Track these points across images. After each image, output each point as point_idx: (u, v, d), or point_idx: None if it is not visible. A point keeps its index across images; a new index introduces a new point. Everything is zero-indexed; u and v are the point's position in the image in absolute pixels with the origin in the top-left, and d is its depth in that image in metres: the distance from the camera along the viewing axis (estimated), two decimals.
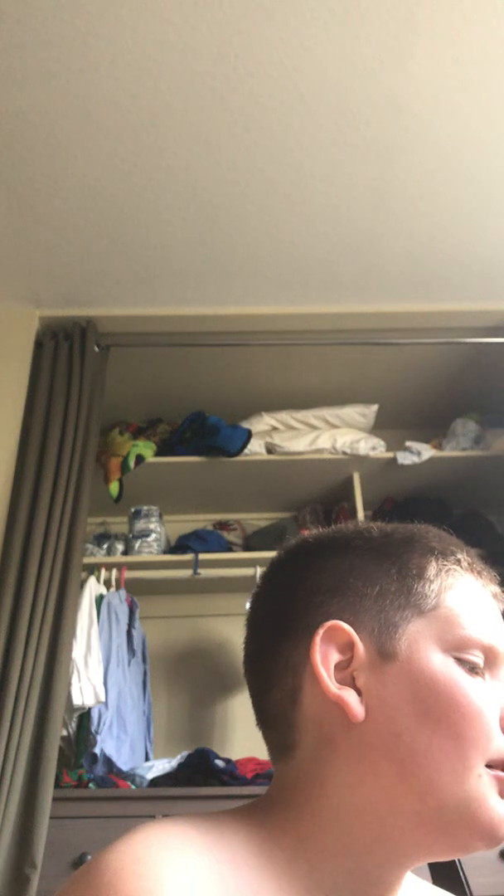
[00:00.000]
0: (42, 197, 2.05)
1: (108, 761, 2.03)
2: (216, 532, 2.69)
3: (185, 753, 2.04)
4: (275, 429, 2.69)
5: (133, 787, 1.94)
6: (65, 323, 2.43)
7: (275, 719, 0.59)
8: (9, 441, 2.18)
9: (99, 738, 2.05)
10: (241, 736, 2.42)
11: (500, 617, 0.61)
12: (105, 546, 2.60)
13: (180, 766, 1.99)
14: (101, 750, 2.04)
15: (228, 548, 2.64)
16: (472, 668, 0.55)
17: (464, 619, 0.57)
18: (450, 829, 0.52)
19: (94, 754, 2.04)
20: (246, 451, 2.56)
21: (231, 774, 1.98)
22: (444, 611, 0.57)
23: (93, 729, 2.08)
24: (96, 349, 2.39)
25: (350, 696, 0.54)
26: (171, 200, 2.09)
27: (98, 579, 2.37)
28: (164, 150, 1.94)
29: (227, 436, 2.55)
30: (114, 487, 2.51)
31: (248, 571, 2.45)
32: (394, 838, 0.53)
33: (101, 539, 2.64)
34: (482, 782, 0.52)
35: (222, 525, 2.79)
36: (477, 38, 1.71)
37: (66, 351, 2.36)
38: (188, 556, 2.46)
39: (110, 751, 2.05)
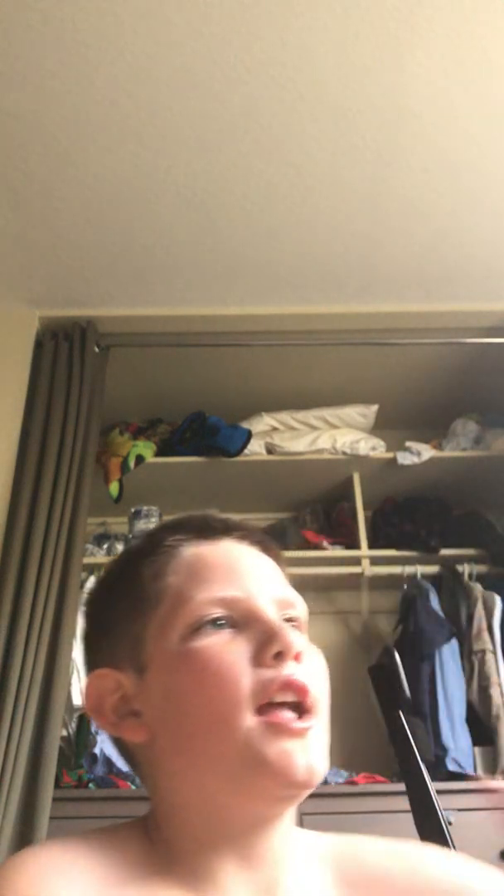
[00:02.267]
0: (42, 197, 2.05)
1: (108, 761, 2.03)
2: None
3: None
4: (275, 429, 2.69)
5: (133, 787, 1.94)
6: (65, 323, 2.43)
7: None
8: (9, 441, 2.18)
9: (99, 738, 2.05)
10: None
11: (240, 560, 0.61)
12: (105, 546, 2.60)
13: None
14: (101, 750, 2.04)
15: None
16: (210, 629, 0.56)
17: (187, 593, 0.58)
18: (253, 786, 0.53)
19: (94, 754, 2.04)
20: (246, 451, 2.55)
21: None
22: (168, 599, 0.59)
23: (93, 729, 2.08)
24: (96, 349, 2.39)
25: (126, 727, 0.58)
26: (170, 201, 2.08)
27: None
28: (164, 150, 1.94)
29: (227, 436, 2.55)
30: (114, 488, 2.51)
31: None
32: (224, 811, 0.55)
33: (101, 539, 2.64)
34: (254, 734, 0.53)
35: None
36: (477, 38, 1.71)
37: (65, 351, 2.36)
38: None
39: (110, 751, 2.05)
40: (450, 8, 1.65)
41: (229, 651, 0.55)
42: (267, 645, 0.55)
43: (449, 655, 2.27)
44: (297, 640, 0.56)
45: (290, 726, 0.53)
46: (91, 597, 0.69)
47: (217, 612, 0.57)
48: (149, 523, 2.57)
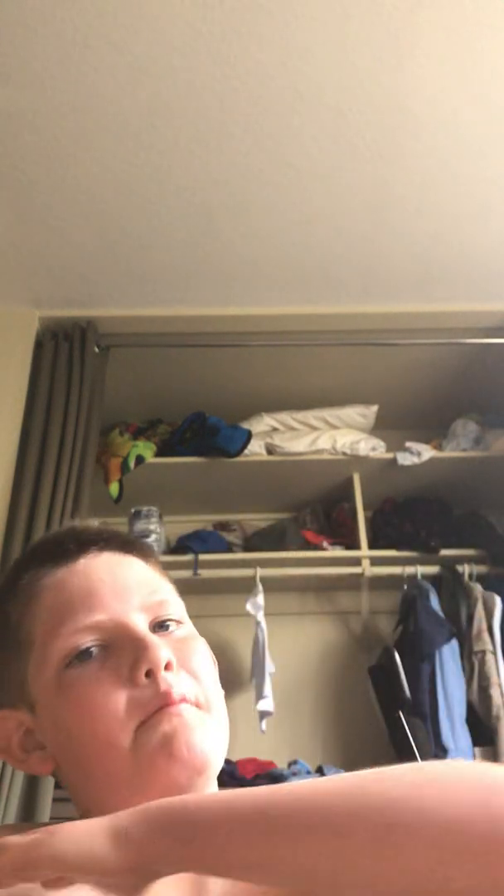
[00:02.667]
0: (42, 197, 2.05)
1: None
2: (216, 533, 2.69)
3: None
4: (275, 429, 2.69)
5: None
6: (65, 323, 2.43)
7: None
8: (9, 442, 2.18)
9: None
10: (242, 736, 2.41)
11: (96, 577, 0.61)
12: None
13: None
14: None
15: (228, 548, 2.64)
16: (81, 660, 0.57)
17: (54, 630, 0.59)
18: (150, 785, 0.54)
19: None
20: (246, 451, 2.55)
21: (231, 775, 1.98)
22: (39, 636, 0.60)
23: None
24: (96, 350, 2.39)
25: (34, 762, 0.61)
26: (171, 201, 2.08)
27: None
28: (164, 150, 1.94)
29: (227, 436, 2.55)
30: (114, 488, 2.51)
31: (248, 572, 2.45)
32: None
33: None
34: (138, 744, 0.54)
35: (222, 526, 2.79)
36: (477, 38, 1.71)
37: (66, 351, 2.36)
38: (188, 557, 2.46)
39: None
40: (450, 8, 1.65)
41: (98, 681, 0.56)
42: (136, 665, 0.56)
43: (449, 656, 2.27)
44: (164, 652, 0.57)
45: (161, 715, 0.55)
46: None
47: (84, 641, 0.58)
48: (149, 523, 2.57)
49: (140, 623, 0.59)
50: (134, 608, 0.60)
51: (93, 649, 0.58)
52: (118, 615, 0.59)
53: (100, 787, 0.57)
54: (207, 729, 0.57)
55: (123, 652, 0.57)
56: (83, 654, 0.58)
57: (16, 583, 0.63)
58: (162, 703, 0.55)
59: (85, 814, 0.57)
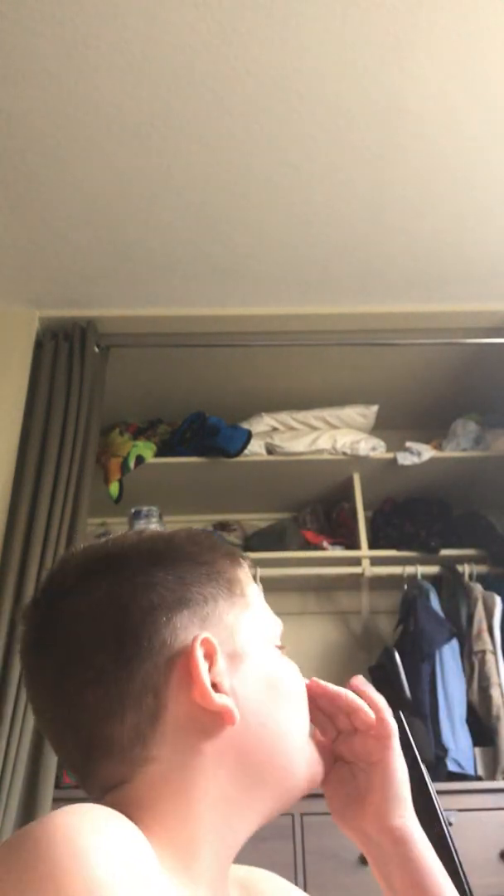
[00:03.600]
0: (42, 198, 2.05)
1: None
2: (216, 533, 2.68)
3: None
4: (275, 429, 2.69)
5: None
6: (65, 323, 2.43)
7: (120, 746, 0.57)
8: (9, 442, 2.18)
9: None
10: None
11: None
12: None
13: None
14: None
15: None
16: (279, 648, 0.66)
17: (266, 613, 0.67)
18: (302, 784, 0.62)
19: None
20: (246, 451, 2.55)
21: None
22: (255, 608, 0.65)
23: None
24: (96, 350, 2.39)
25: (231, 703, 0.57)
26: (170, 201, 2.08)
27: None
28: (164, 150, 1.94)
29: (227, 436, 2.55)
30: (114, 488, 2.51)
31: None
32: (258, 810, 0.60)
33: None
34: (311, 744, 0.64)
35: (222, 526, 2.79)
36: (477, 38, 1.71)
37: (66, 351, 2.36)
38: None
39: None
40: (450, 8, 1.65)
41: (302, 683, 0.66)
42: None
43: (449, 656, 2.27)
44: None
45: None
46: (170, 543, 0.65)
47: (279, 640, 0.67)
48: (149, 523, 2.57)
49: None
50: None
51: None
52: None
53: (276, 758, 0.60)
54: None
55: None
56: (282, 649, 0.66)
57: (240, 559, 0.67)
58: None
59: (200, 793, 0.56)
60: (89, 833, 0.43)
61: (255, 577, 0.69)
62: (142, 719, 0.56)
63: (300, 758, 0.62)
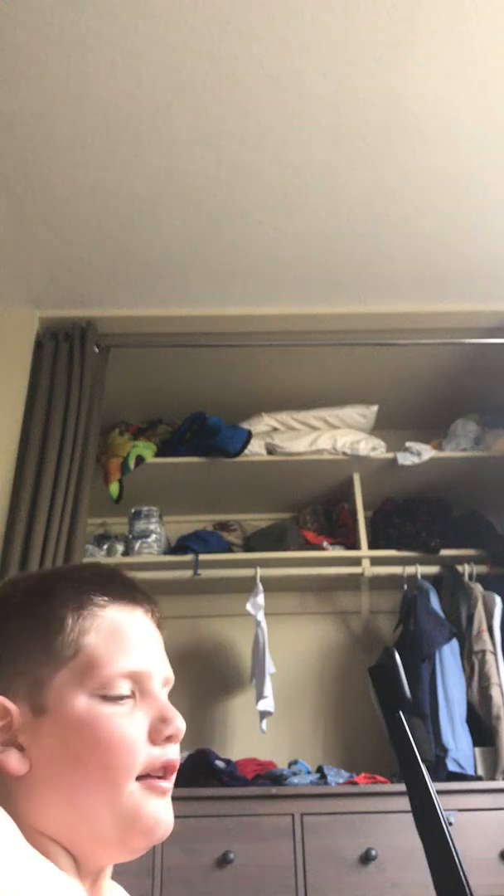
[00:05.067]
0: (42, 198, 2.05)
1: None
2: (216, 533, 2.68)
3: (185, 754, 2.04)
4: (275, 429, 2.69)
5: None
6: (65, 324, 2.43)
7: None
8: (9, 442, 2.18)
9: None
10: (242, 736, 2.42)
11: (147, 634, 0.68)
12: (105, 547, 2.60)
13: (181, 766, 1.99)
14: None
15: (229, 548, 2.64)
16: (118, 699, 0.63)
17: (104, 659, 0.64)
18: (123, 840, 0.61)
19: None
20: (246, 451, 2.55)
21: (231, 775, 1.97)
22: (84, 657, 0.63)
23: None
24: (96, 350, 2.39)
25: (10, 758, 0.60)
26: (170, 201, 2.09)
27: None
28: (164, 150, 1.94)
29: (227, 436, 2.55)
30: (114, 488, 2.51)
31: (248, 572, 2.45)
32: (86, 850, 0.61)
33: (101, 540, 2.64)
34: (135, 796, 0.61)
35: (222, 526, 2.79)
36: (477, 38, 1.71)
37: (66, 351, 2.36)
38: (188, 557, 2.46)
39: None
40: (450, 8, 1.65)
41: (130, 725, 0.62)
42: (162, 727, 0.64)
43: (449, 656, 2.27)
44: (182, 724, 0.65)
45: (160, 787, 0.63)
46: (5, 597, 0.68)
47: (125, 683, 0.64)
48: (149, 523, 2.57)
49: (163, 689, 0.67)
50: (162, 674, 0.68)
51: (131, 694, 0.64)
52: (154, 675, 0.66)
53: (79, 814, 0.60)
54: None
55: (150, 710, 0.64)
56: (122, 696, 0.63)
57: (83, 600, 0.66)
58: (165, 770, 0.63)
59: (36, 823, 0.60)
60: None
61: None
62: None
63: (107, 811, 0.60)
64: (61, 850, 0.61)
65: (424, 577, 2.50)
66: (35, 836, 0.59)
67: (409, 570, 2.49)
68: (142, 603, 0.70)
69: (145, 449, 2.60)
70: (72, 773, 0.60)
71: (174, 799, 0.65)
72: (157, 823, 0.62)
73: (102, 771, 0.60)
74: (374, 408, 2.73)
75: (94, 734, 0.61)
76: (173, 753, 0.65)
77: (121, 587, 0.69)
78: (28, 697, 0.62)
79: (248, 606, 2.38)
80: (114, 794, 0.60)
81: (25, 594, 0.67)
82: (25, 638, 0.64)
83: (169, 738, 0.64)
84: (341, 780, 2.01)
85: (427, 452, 2.61)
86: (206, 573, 2.44)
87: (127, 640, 0.65)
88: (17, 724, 0.61)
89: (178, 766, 0.65)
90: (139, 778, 0.62)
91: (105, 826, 0.60)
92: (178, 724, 0.64)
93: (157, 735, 0.64)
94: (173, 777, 0.65)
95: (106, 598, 0.67)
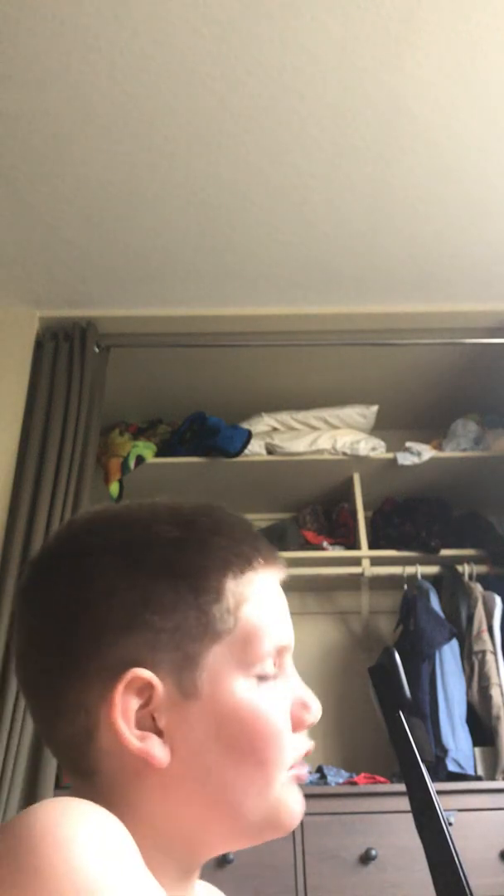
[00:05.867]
0: (42, 197, 2.05)
1: None
2: None
3: None
4: (275, 429, 2.69)
5: None
6: (65, 324, 2.43)
7: (66, 747, 0.55)
8: (9, 442, 2.18)
9: None
10: None
11: (285, 604, 0.60)
12: None
13: None
14: None
15: None
16: (269, 678, 0.56)
17: (261, 631, 0.56)
18: (259, 835, 0.55)
19: None
20: (246, 451, 2.55)
21: None
22: (242, 629, 0.55)
23: None
24: (96, 350, 2.39)
25: (153, 746, 0.51)
26: (170, 201, 2.09)
27: None
28: (164, 150, 1.94)
29: (227, 436, 2.55)
30: (114, 488, 2.51)
31: None
32: (208, 845, 0.56)
33: None
34: (284, 787, 0.55)
35: None
36: (476, 38, 1.71)
37: (66, 352, 2.36)
38: None
39: None
40: (449, 8, 1.65)
41: (283, 711, 0.56)
42: (305, 715, 0.57)
43: (449, 656, 2.27)
44: (320, 710, 0.58)
45: (304, 776, 0.57)
46: (149, 541, 0.56)
47: (273, 661, 0.56)
48: None
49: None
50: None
51: (274, 673, 0.57)
52: (292, 649, 0.60)
53: (221, 809, 0.53)
54: None
55: (287, 690, 0.57)
56: (271, 676, 0.56)
57: (243, 562, 0.56)
58: (302, 758, 0.57)
59: (156, 821, 0.53)
60: (70, 824, 0.41)
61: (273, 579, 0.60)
62: (76, 732, 0.53)
63: (254, 807, 0.54)
64: (170, 858, 0.53)
65: (424, 577, 2.50)
66: (151, 841, 0.51)
67: (409, 570, 2.49)
68: (281, 564, 0.60)
69: (145, 449, 2.60)
70: (223, 768, 0.52)
71: None
72: (297, 815, 0.56)
73: (259, 765, 0.53)
74: (374, 408, 2.73)
75: (253, 725, 0.53)
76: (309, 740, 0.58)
77: (267, 545, 0.60)
78: (177, 675, 0.53)
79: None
80: (267, 789, 0.54)
81: (174, 543, 0.55)
82: (176, 606, 0.53)
83: (308, 726, 0.57)
84: (341, 780, 2.01)
85: (427, 452, 2.61)
86: None
87: (278, 609, 0.58)
88: (157, 705, 0.52)
89: None
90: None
91: (247, 822, 0.54)
92: (319, 710, 0.58)
93: (299, 723, 0.57)
94: None
95: (261, 560, 0.58)
